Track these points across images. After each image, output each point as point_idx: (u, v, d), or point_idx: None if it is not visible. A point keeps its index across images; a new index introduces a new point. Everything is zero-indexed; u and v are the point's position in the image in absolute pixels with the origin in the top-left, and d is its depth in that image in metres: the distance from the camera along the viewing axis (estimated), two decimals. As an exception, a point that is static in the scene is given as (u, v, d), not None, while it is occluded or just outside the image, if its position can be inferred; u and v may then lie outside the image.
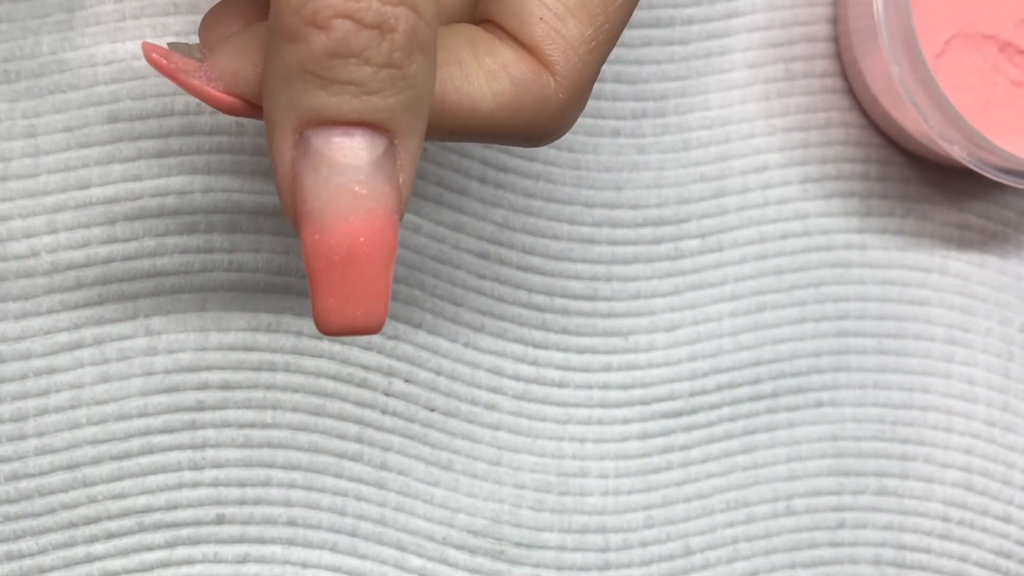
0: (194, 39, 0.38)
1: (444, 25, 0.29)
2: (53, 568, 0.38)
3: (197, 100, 0.38)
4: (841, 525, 0.41)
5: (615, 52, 0.41)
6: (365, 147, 0.25)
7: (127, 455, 0.38)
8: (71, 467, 0.38)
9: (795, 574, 0.41)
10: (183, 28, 0.38)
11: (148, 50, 0.27)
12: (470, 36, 0.28)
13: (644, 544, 0.41)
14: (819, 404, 0.42)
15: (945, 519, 0.42)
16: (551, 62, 0.28)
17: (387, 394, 0.40)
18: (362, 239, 0.26)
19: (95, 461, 0.38)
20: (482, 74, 0.28)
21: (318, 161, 0.25)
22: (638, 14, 0.41)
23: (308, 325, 0.39)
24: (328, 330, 0.26)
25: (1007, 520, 0.42)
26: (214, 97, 0.27)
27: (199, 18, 0.38)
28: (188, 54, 0.28)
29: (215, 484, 0.39)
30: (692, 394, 0.41)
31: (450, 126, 0.28)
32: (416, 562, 0.40)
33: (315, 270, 0.26)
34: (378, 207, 0.26)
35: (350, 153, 0.25)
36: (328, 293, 0.26)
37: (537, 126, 0.29)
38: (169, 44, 0.28)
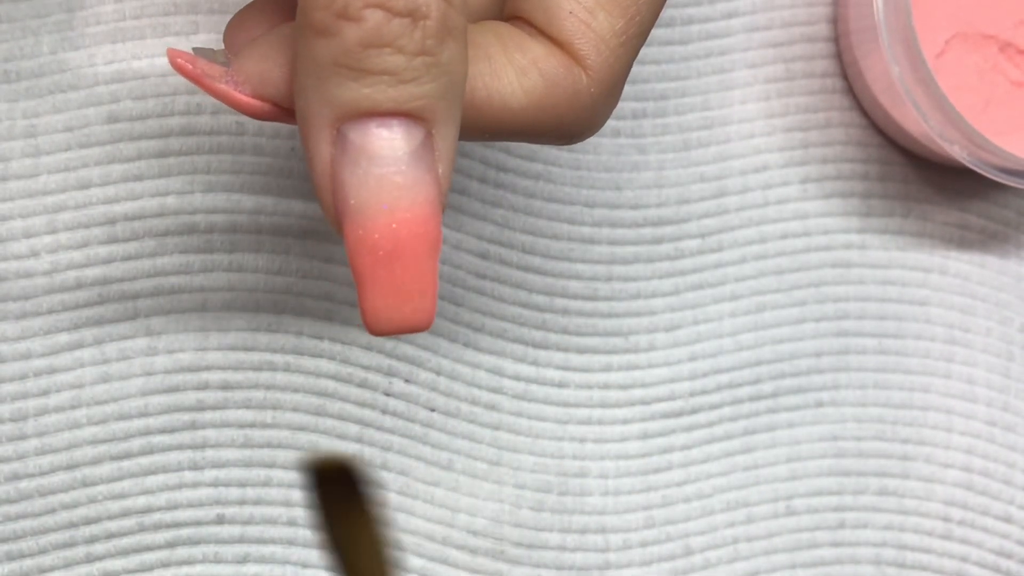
0: (194, 39, 0.38)
1: (473, 23, 0.29)
2: (53, 568, 0.38)
3: (199, 100, 0.38)
4: (842, 525, 0.41)
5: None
6: (403, 137, 0.25)
7: (127, 455, 0.38)
8: (71, 467, 0.38)
9: (796, 574, 0.41)
10: (183, 28, 0.38)
11: (173, 56, 0.27)
12: (499, 33, 0.28)
13: (644, 544, 0.41)
14: (819, 404, 0.42)
15: (946, 519, 0.42)
16: (582, 56, 0.28)
17: (387, 394, 0.40)
18: (406, 231, 0.25)
19: (95, 461, 0.38)
20: (512, 70, 0.28)
21: (357, 155, 0.25)
22: (638, 14, 0.41)
23: (308, 325, 0.39)
24: (378, 329, 0.26)
25: (1008, 520, 0.42)
26: (242, 102, 0.27)
27: (199, 18, 0.38)
28: (212, 58, 0.28)
29: (215, 484, 0.39)
30: (692, 394, 0.41)
31: (481, 124, 0.28)
32: (416, 562, 0.39)
33: (361, 267, 0.26)
34: (420, 197, 0.25)
35: (388, 144, 0.25)
36: (376, 291, 0.26)
37: (569, 122, 0.29)
38: (194, 49, 0.28)
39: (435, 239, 0.26)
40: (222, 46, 0.29)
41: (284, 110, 0.27)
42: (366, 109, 0.25)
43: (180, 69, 0.27)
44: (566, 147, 0.41)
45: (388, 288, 0.26)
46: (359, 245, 0.25)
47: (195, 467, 0.39)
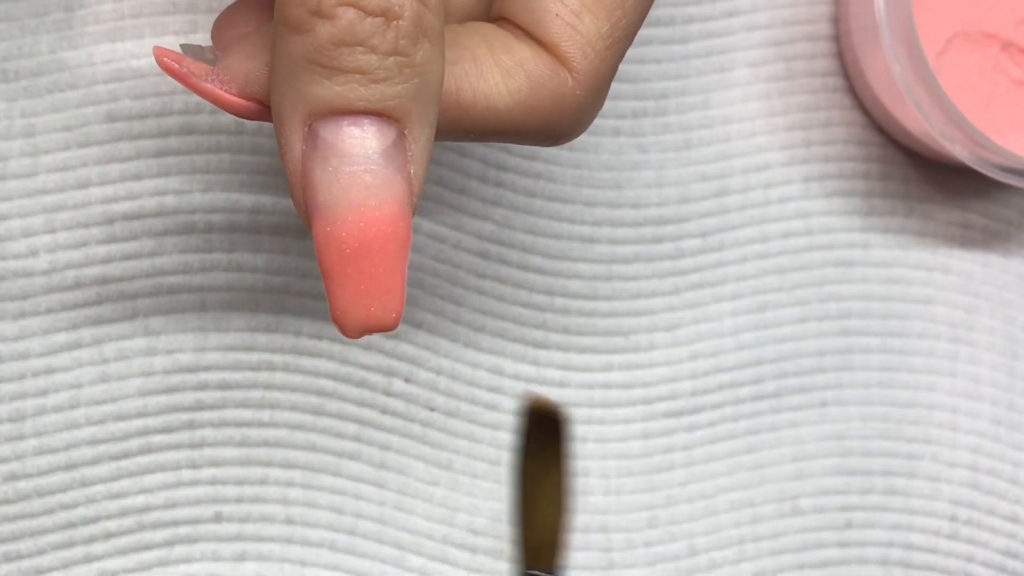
0: (192, 38, 0.38)
1: (459, 23, 0.29)
2: (52, 569, 0.38)
3: (197, 99, 0.38)
4: (849, 525, 0.41)
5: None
6: (375, 136, 0.25)
7: (126, 455, 0.38)
8: (70, 467, 0.38)
9: (803, 575, 0.41)
10: (182, 27, 0.38)
11: (159, 55, 0.27)
12: (485, 34, 0.28)
13: (648, 544, 0.40)
14: (823, 404, 0.41)
15: (952, 519, 0.41)
16: (568, 59, 0.28)
17: (387, 394, 0.39)
18: (374, 230, 0.25)
19: (94, 461, 0.38)
20: (498, 71, 0.28)
21: (328, 153, 0.25)
22: (638, 13, 0.41)
23: (307, 325, 0.39)
24: (346, 329, 0.26)
25: (1013, 520, 0.42)
26: (228, 101, 0.27)
27: (198, 17, 0.38)
28: (200, 56, 0.28)
29: (213, 482, 0.39)
30: (694, 393, 0.41)
31: (466, 125, 0.28)
32: (416, 561, 0.39)
33: (328, 264, 0.26)
34: (389, 197, 0.25)
35: (359, 143, 0.25)
36: (343, 289, 0.26)
37: (554, 124, 0.29)
38: (181, 46, 0.28)
39: (404, 239, 0.26)
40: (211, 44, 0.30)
41: (269, 109, 0.27)
42: (338, 107, 0.25)
43: (166, 68, 0.27)
44: (565, 147, 0.41)
45: (355, 286, 0.26)
46: (327, 241, 0.26)
47: (193, 466, 0.38)
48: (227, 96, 0.27)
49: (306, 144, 0.25)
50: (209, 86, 0.27)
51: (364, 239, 0.25)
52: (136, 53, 0.38)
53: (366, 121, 0.25)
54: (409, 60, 0.25)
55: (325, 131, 0.25)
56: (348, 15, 0.24)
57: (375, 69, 0.25)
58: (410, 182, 0.26)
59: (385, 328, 0.26)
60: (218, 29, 0.29)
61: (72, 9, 0.38)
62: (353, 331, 0.26)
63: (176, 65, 0.27)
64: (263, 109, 0.27)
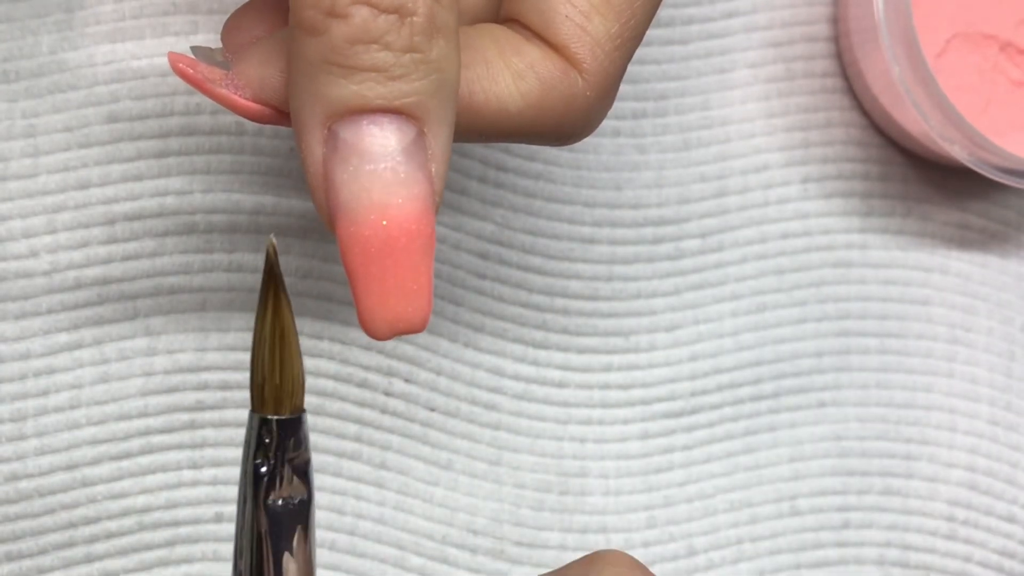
0: (193, 39, 0.38)
1: (469, 25, 0.29)
2: (53, 568, 0.38)
3: (198, 100, 0.38)
4: (846, 525, 0.41)
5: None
6: (394, 134, 0.25)
7: (127, 455, 0.38)
8: (70, 467, 0.38)
9: (800, 575, 0.41)
10: (182, 28, 0.38)
11: (174, 60, 0.27)
12: (495, 36, 0.29)
13: (647, 544, 0.40)
14: (821, 404, 0.42)
15: (950, 519, 0.42)
16: (578, 60, 0.28)
17: (387, 394, 0.40)
18: (397, 229, 0.25)
19: (95, 461, 0.38)
20: (509, 73, 0.28)
21: (348, 153, 0.25)
22: (638, 14, 0.41)
23: (307, 325, 0.39)
24: (375, 331, 0.26)
25: (1011, 520, 0.42)
26: (243, 106, 0.27)
27: (198, 18, 0.38)
28: (210, 58, 0.28)
29: (214, 483, 0.39)
30: (693, 394, 0.41)
31: (478, 127, 0.28)
32: (416, 561, 0.39)
33: (353, 265, 0.26)
34: (411, 195, 0.25)
35: (380, 141, 0.25)
36: (368, 289, 0.26)
37: (565, 124, 0.29)
38: (192, 48, 0.28)
39: (428, 237, 0.26)
40: (220, 45, 0.30)
41: (284, 114, 0.27)
42: (356, 106, 0.25)
43: (181, 74, 0.27)
44: (566, 147, 0.41)
45: (381, 286, 0.26)
46: (351, 241, 0.26)
47: (194, 466, 0.39)
48: (242, 101, 0.27)
49: (326, 146, 0.25)
50: (224, 91, 0.27)
51: (388, 237, 0.25)
52: (137, 54, 0.38)
53: (385, 119, 0.25)
54: (424, 56, 0.25)
55: (345, 132, 0.25)
56: (362, 13, 0.24)
57: (391, 66, 0.25)
58: (432, 180, 0.26)
59: (413, 328, 0.26)
60: (227, 32, 0.29)
61: (73, 10, 0.38)
62: (382, 332, 0.26)
63: (191, 71, 0.27)
64: (277, 114, 0.28)
